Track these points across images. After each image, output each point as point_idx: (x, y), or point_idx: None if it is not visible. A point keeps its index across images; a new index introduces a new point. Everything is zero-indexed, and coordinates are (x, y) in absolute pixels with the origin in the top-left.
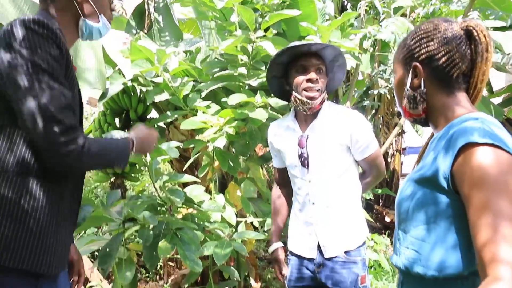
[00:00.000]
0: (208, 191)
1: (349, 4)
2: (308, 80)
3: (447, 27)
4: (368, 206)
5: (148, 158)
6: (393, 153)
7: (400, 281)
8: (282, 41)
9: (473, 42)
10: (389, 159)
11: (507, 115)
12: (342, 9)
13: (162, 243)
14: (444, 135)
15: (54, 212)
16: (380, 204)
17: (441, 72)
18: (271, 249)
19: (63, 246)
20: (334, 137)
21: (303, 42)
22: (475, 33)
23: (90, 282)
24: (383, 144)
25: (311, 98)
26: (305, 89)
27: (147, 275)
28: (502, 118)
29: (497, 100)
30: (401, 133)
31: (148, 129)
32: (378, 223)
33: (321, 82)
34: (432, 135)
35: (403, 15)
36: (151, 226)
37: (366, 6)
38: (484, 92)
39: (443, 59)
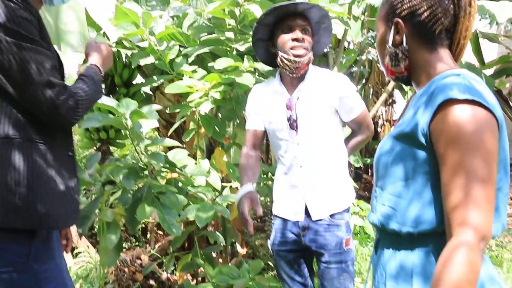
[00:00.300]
0: (195, 157)
1: None
2: (294, 39)
3: None
4: (357, 175)
5: (129, 123)
6: (383, 123)
7: (377, 239)
8: (270, 5)
9: None
10: (379, 129)
11: (498, 86)
12: None
13: (142, 206)
14: (425, 91)
15: (40, 172)
16: (369, 173)
17: (423, 28)
18: (239, 192)
19: (56, 202)
20: (322, 99)
21: (289, 2)
22: None
23: (77, 248)
24: (370, 111)
25: (298, 56)
26: (292, 48)
27: (136, 243)
28: (492, 90)
29: (489, 72)
30: (391, 104)
31: (100, 44)
32: (366, 192)
33: (307, 42)
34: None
35: None
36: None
37: None
38: (476, 63)
39: (425, 14)
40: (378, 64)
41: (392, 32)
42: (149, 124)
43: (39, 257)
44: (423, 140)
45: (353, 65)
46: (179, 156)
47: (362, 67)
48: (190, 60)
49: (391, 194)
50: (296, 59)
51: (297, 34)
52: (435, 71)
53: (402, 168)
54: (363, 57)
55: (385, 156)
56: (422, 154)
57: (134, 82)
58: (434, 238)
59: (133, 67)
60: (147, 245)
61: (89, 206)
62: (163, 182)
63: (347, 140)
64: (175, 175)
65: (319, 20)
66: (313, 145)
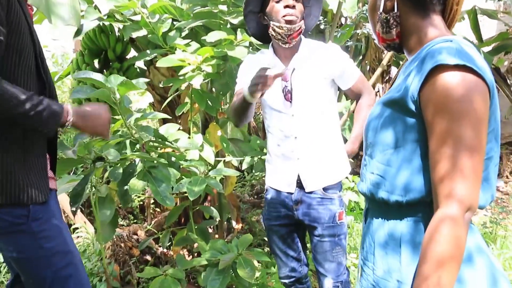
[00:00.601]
0: (189, 132)
1: None
2: (286, 6)
3: None
4: None
5: (118, 96)
6: None
7: (366, 209)
8: None
9: None
10: None
11: (496, 64)
12: None
13: (133, 180)
14: (416, 57)
15: (17, 152)
16: None
17: None
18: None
19: (37, 176)
20: (318, 70)
21: None
22: None
23: (74, 224)
24: None
25: (290, 22)
26: (284, 16)
27: (135, 221)
28: (491, 67)
29: (487, 49)
30: (388, 81)
31: (100, 106)
32: None
33: (299, 10)
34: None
35: None
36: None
37: None
38: (474, 40)
39: None
40: (374, 40)
41: None
42: (144, 99)
43: (38, 217)
44: (412, 106)
45: (349, 40)
46: (171, 130)
47: (358, 42)
48: (184, 34)
49: (380, 162)
50: (288, 25)
51: (288, 1)
52: (426, 37)
53: (392, 135)
54: (359, 32)
55: (374, 122)
56: (411, 121)
57: (127, 57)
58: (423, 207)
59: (125, 40)
60: (145, 222)
61: (80, 184)
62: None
63: (356, 113)
64: (168, 150)
65: None
66: (308, 117)
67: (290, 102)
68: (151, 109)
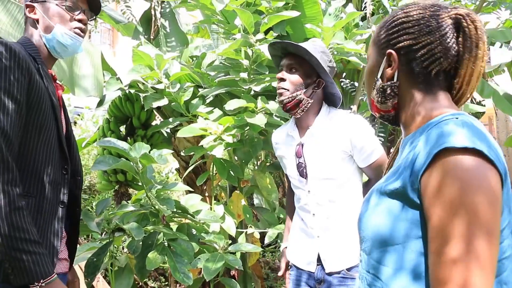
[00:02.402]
0: (216, 199)
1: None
2: (278, 79)
3: (434, 13)
4: None
5: (140, 166)
6: None
7: None
8: None
9: (461, 34)
10: None
11: None
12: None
13: (152, 254)
14: (416, 137)
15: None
16: None
17: (418, 66)
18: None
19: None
20: (333, 144)
21: (275, 41)
22: (465, 24)
23: None
24: (390, 151)
25: (280, 95)
26: (278, 89)
27: (166, 283)
28: None
29: None
30: None
31: None
32: None
33: (290, 82)
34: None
35: None
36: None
37: (373, 4)
38: None
39: (422, 52)
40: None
41: (384, 64)
42: (171, 165)
43: None
44: (414, 196)
45: None
46: (192, 201)
47: None
48: (208, 100)
49: (375, 260)
50: (280, 98)
51: (279, 74)
52: (428, 114)
53: (389, 230)
54: None
55: (369, 215)
56: (413, 214)
57: (153, 123)
58: None
59: (145, 109)
60: (177, 285)
61: (97, 254)
62: (176, 227)
63: (365, 187)
64: (188, 220)
65: (309, 58)
66: (325, 193)
67: (305, 178)
68: (178, 175)
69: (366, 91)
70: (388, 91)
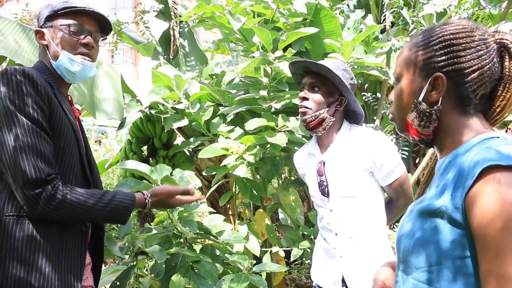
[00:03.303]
0: (240, 217)
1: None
2: (301, 98)
3: (481, 36)
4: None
5: None
6: None
7: None
8: None
9: (505, 59)
10: None
11: None
12: (382, 22)
13: (175, 277)
14: (456, 156)
15: (51, 254)
16: None
17: (466, 90)
18: None
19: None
20: (354, 161)
21: (297, 59)
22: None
23: None
24: (416, 169)
25: (303, 114)
26: (300, 108)
27: None
28: None
29: None
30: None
31: (170, 187)
32: None
33: (312, 100)
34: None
35: None
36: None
37: (393, 17)
38: None
39: (473, 75)
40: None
41: (427, 87)
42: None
43: None
44: (458, 216)
45: None
46: (215, 221)
47: None
48: (229, 119)
49: (417, 279)
50: (303, 117)
51: (301, 93)
52: (464, 137)
53: (430, 251)
54: None
55: (408, 237)
56: (455, 233)
57: (175, 142)
58: None
59: (165, 130)
60: None
61: (120, 278)
62: (199, 248)
63: (387, 206)
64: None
65: (332, 76)
66: (347, 212)
67: (327, 197)
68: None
69: (396, 111)
70: (433, 116)
